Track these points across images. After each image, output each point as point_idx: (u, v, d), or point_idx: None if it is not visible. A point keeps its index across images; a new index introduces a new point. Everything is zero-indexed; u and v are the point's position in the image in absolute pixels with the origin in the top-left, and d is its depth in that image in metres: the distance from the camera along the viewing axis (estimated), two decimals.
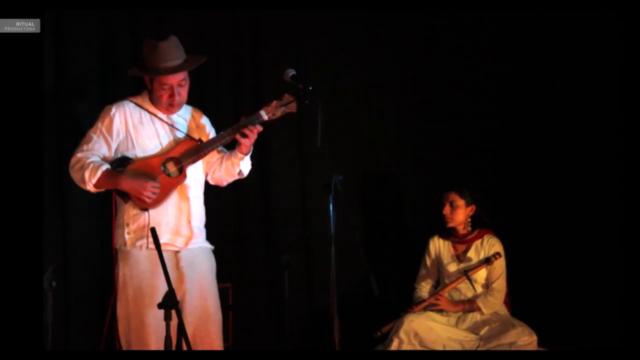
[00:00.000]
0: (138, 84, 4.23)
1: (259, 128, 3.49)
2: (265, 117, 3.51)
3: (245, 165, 3.62)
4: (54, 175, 4.04)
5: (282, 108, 3.52)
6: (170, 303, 2.99)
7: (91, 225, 4.11)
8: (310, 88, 3.32)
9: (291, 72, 3.42)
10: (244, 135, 3.47)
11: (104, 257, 4.10)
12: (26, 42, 3.30)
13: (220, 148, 3.61)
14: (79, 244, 4.06)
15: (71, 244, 4.05)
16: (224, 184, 3.72)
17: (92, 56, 4.16)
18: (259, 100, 4.42)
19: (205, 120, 3.70)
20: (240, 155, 3.56)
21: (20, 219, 3.07)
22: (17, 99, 3.18)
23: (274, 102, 3.52)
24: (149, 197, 3.39)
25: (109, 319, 3.67)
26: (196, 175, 3.60)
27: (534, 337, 3.96)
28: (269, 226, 4.47)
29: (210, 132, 3.69)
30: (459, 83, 4.77)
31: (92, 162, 3.42)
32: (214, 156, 3.65)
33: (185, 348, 3.00)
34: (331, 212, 3.17)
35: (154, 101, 3.55)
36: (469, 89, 4.77)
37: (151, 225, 3.39)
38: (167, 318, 2.99)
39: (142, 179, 3.39)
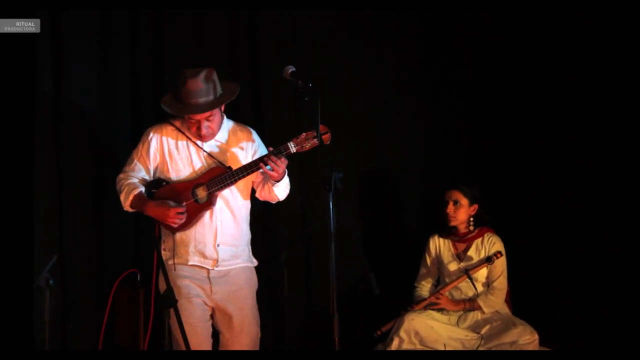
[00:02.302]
0: (135, 85, 4.24)
1: (284, 160, 3.44)
2: (293, 150, 3.44)
3: (279, 192, 3.63)
4: (52, 173, 4.03)
5: (313, 140, 3.42)
6: (168, 302, 2.98)
7: (89, 224, 4.10)
8: (310, 85, 3.30)
9: (290, 68, 3.40)
10: (269, 167, 3.44)
11: (102, 255, 4.11)
12: (18, 42, 3.29)
13: (268, 167, 3.57)
14: (76, 242, 4.05)
15: (68, 243, 4.03)
16: (272, 202, 3.73)
17: (92, 55, 4.14)
18: (258, 100, 4.40)
19: (249, 142, 3.66)
20: (271, 181, 3.56)
21: (10, 220, 3.06)
22: (8, 98, 3.17)
23: (304, 134, 3.43)
24: (175, 223, 3.46)
25: (107, 319, 3.66)
26: (231, 198, 3.61)
27: (535, 336, 3.95)
28: (268, 224, 4.46)
29: (257, 150, 3.66)
30: (458, 81, 4.76)
31: (128, 184, 3.55)
32: (259, 175, 3.64)
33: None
34: (331, 210, 3.15)
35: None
36: (468, 88, 4.76)
37: (179, 245, 3.53)
38: (166, 317, 2.99)
39: (166, 206, 3.46)
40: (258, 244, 3.83)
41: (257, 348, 3.69)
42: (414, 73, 4.76)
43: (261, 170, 3.49)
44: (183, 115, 3.51)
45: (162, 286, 3.35)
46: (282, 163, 3.44)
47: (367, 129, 4.69)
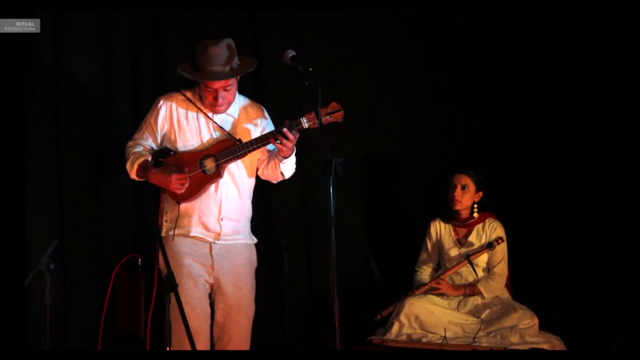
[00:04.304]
0: (137, 83, 4.24)
1: (295, 135, 3.45)
2: (306, 125, 3.45)
3: (286, 168, 3.63)
4: (52, 158, 4.04)
5: (326, 117, 3.44)
6: (168, 286, 2.98)
7: (89, 208, 4.11)
8: (310, 69, 3.29)
9: (291, 53, 3.38)
10: (278, 141, 3.44)
11: (103, 239, 4.12)
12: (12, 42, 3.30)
13: (271, 147, 3.59)
14: (77, 226, 4.06)
15: (69, 227, 4.04)
16: (274, 182, 3.75)
17: (92, 55, 4.15)
18: (259, 93, 4.38)
19: (260, 117, 3.68)
20: (280, 157, 3.56)
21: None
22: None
23: (313, 113, 3.42)
24: (177, 189, 3.45)
25: (108, 303, 3.66)
26: (236, 173, 3.61)
27: (536, 320, 3.96)
28: (269, 209, 4.46)
29: (265, 128, 3.67)
30: (460, 70, 4.74)
31: (134, 152, 3.53)
32: (264, 154, 3.66)
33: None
34: (331, 195, 3.14)
35: (201, 99, 3.57)
36: (469, 76, 4.74)
37: (183, 216, 3.52)
38: (166, 301, 2.98)
39: (167, 172, 3.45)
40: (259, 229, 3.82)
41: (251, 325, 3.66)
42: (415, 62, 4.75)
43: (270, 145, 3.50)
44: (203, 82, 3.48)
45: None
46: (294, 138, 3.45)
47: (368, 112, 4.68)
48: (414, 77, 4.76)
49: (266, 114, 3.72)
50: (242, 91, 3.74)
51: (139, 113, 4.16)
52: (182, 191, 3.47)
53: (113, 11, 4.14)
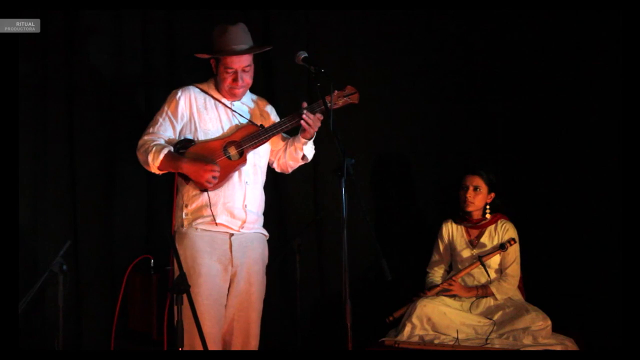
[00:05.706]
0: (145, 80, 4.25)
1: (320, 116, 3.54)
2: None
3: (308, 150, 3.68)
4: (65, 159, 4.06)
5: (344, 98, 3.59)
6: (181, 287, 2.98)
7: (102, 209, 4.12)
8: (322, 70, 3.30)
9: (303, 54, 3.40)
10: (307, 123, 3.51)
11: (115, 240, 4.14)
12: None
13: (285, 135, 3.66)
14: (90, 227, 4.08)
15: (82, 227, 4.06)
16: (289, 170, 3.79)
17: (104, 55, 4.18)
18: (270, 93, 4.39)
19: (269, 108, 3.77)
20: (303, 140, 3.61)
21: None
22: None
23: (336, 92, 3.53)
24: (208, 181, 3.44)
25: (120, 304, 3.68)
26: (256, 162, 3.64)
27: (548, 322, 3.93)
28: (281, 210, 4.46)
29: (274, 119, 3.72)
30: (471, 71, 4.74)
31: (155, 144, 3.49)
32: (279, 144, 3.72)
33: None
34: (343, 196, 3.14)
35: (218, 86, 3.62)
36: (480, 77, 4.73)
37: (207, 205, 3.49)
38: (178, 302, 2.99)
39: (203, 162, 3.45)
40: (270, 231, 3.82)
41: (259, 321, 3.66)
42: (426, 63, 4.74)
43: (286, 132, 3.58)
44: (223, 64, 3.51)
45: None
46: (318, 119, 3.53)
47: (380, 113, 4.68)
48: (425, 77, 4.75)
49: (271, 106, 3.80)
50: (253, 90, 3.76)
51: (151, 113, 4.19)
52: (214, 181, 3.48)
53: (125, 12, 4.18)
